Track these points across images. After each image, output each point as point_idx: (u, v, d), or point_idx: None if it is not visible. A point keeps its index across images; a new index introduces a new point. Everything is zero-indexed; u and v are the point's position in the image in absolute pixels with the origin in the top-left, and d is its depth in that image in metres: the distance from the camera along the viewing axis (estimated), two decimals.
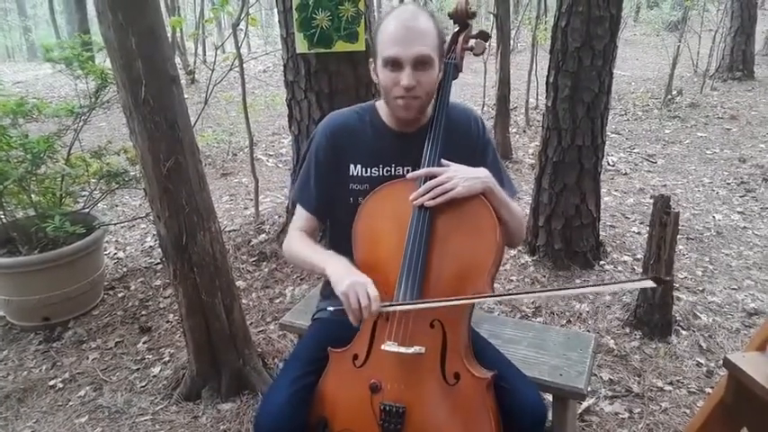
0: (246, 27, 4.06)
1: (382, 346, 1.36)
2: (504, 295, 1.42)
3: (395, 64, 1.43)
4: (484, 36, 1.64)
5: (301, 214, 1.67)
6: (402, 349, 1.34)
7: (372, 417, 1.38)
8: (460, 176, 1.42)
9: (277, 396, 1.45)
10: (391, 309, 1.37)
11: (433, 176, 1.43)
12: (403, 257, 1.40)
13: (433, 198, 1.40)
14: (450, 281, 1.41)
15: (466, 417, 1.36)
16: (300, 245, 1.61)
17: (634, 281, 1.19)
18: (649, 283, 1.18)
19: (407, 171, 1.55)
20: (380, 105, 1.62)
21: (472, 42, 1.63)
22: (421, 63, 1.42)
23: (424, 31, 1.42)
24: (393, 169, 1.58)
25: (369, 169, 1.58)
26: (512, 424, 1.40)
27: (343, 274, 1.39)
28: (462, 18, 1.64)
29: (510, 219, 1.49)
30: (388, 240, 1.46)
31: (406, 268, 1.39)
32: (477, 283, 1.38)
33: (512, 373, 1.49)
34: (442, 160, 1.48)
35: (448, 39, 1.65)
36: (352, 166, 1.58)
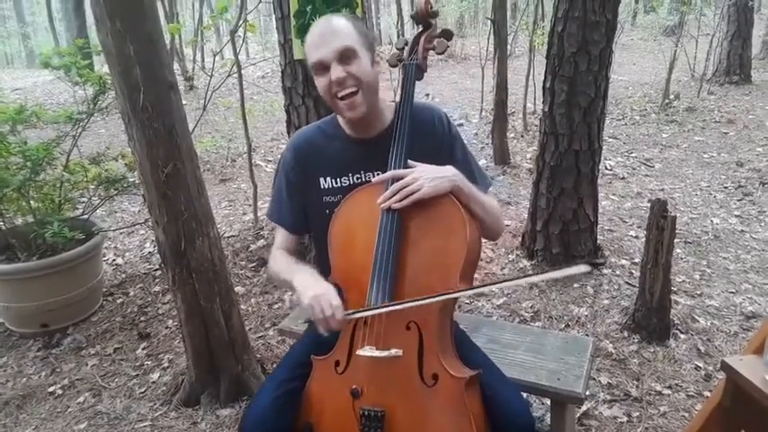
0: (245, 33, 4.08)
1: (359, 352, 1.37)
2: (463, 291, 1.42)
3: (322, 67, 1.45)
4: (447, 35, 1.63)
5: (280, 232, 1.70)
6: (378, 353, 1.34)
7: (355, 422, 1.39)
8: (426, 177, 1.41)
9: (263, 399, 1.47)
10: (357, 315, 1.38)
11: (399, 178, 1.43)
12: (373, 261, 1.40)
13: (400, 200, 1.40)
14: (423, 282, 1.41)
15: (446, 417, 1.35)
16: (278, 262, 1.64)
17: (571, 267, 1.24)
18: (584, 268, 1.25)
19: (378, 175, 1.55)
20: (340, 117, 1.63)
21: (435, 42, 1.62)
22: (345, 57, 1.43)
23: (338, 29, 1.45)
24: (363, 176, 1.58)
25: (338, 180, 1.59)
26: (499, 430, 1.40)
27: (307, 286, 1.41)
28: (424, 17, 1.64)
29: (483, 213, 1.49)
30: (359, 246, 1.46)
31: (376, 272, 1.40)
32: (449, 283, 1.37)
33: (498, 381, 1.50)
34: (409, 161, 1.48)
35: (410, 40, 1.65)
36: (322, 179, 1.60)
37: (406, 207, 1.42)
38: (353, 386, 1.40)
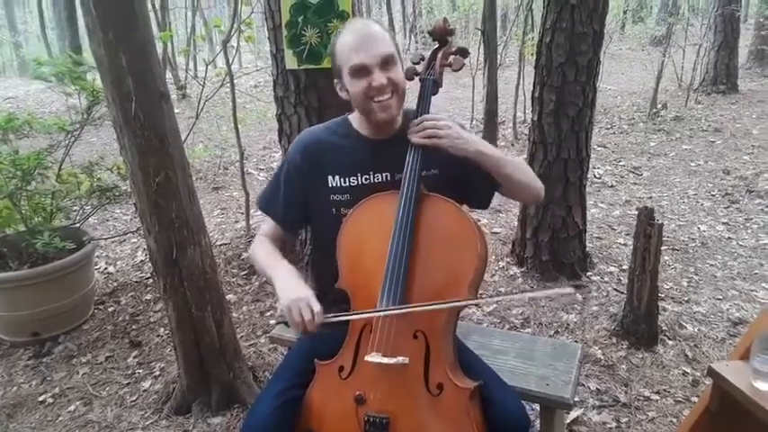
0: (238, 43, 4.11)
1: (366, 358, 1.38)
2: (455, 302, 1.45)
3: (362, 70, 1.48)
4: (463, 53, 1.68)
5: (268, 222, 1.72)
6: (385, 360, 1.36)
7: (358, 428, 1.40)
8: (454, 133, 1.46)
9: (262, 410, 1.46)
10: (335, 319, 1.40)
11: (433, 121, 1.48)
12: (385, 268, 1.42)
13: (423, 134, 1.46)
14: (432, 290, 1.43)
15: (450, 427, 1.38)
16: (260, 249, 1.65)
17: (557, 289, 1.29)
18: (569, 290, 1.27)
19: (386, 177, 1.59)
20: (353, 117, 1.66)
21: (451, 59, 1.67)
22: (386, 62, 1.48)
23: (379, 34, 1.50)
24: (372, 176, 1.61)
25: (347, 179, 1.61)
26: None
27: (287, 289, 1.43)
28: (441, 35, 1.68)
29: (516, 172, 1.53)
30: (371, 253, 1.48)
31: (388, 279, 1.42)
32: (459, 294, 1.41)
33: (496, 385, 1.52)
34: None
35: (427, 55, 1.69)
36: (330, 177, 1.62)
37: (421, 216, 1.46)
38: (358, 392, 1.41)
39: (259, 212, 4.78)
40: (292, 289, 1.43)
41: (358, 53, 1.47)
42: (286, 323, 1.42)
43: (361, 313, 1.43)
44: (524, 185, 1.57)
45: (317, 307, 1.38)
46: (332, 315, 1.40)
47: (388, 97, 1.50)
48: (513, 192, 1.62)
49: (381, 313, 1.39)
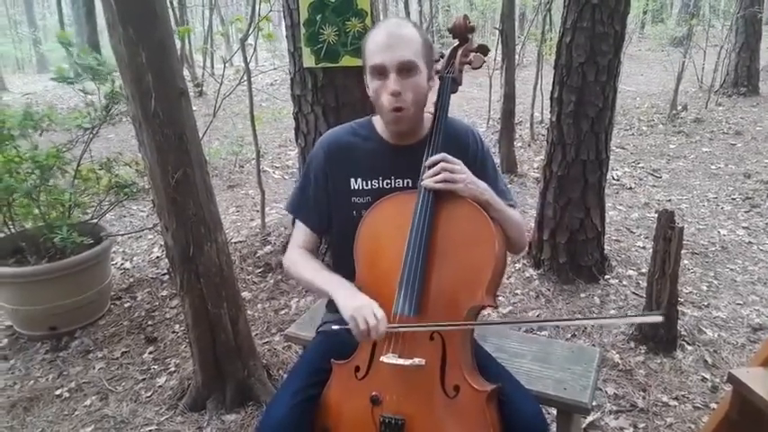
0: (255, 41, 4.11)
1: (382, 358, 1.37)
2: (506, 323, 1.44)
3: (380, 71, 1.46)
4: (483, 50, 1.67)
5: (301, 230, 1.71)
6: (401, 361, 1.35)
7: (374, 429, 1.39)
8: (469, 178, 1.46)
9: (278, 409, 1.45)
10: (398, 330, 1.39)
11: (448, 163, 1.46)
12: (402, 268, 1.42)
13: (438, 179, 1.44)
14: (449, 291, 1.42)
15: (466, 430, 1.36)
16: (304, 265, 1.64)
17: (642, 315, 1.25)
18: (658, 318, 1.22)
19: (407, 183, 1.58)
20: (377, 120, 1.65)
21: (471, 56, 1.65)
22: (405, 69, 1.45)
23: (407, 38, 1.46)
24: (393, 181, 1.60)
25: (369, 182, 1.60)
26: None
27: (350, 298, 1.43)
28: (461, 32, 1.67)
29: (509, 228, 1.52)
30: (387, 252, 1.48)
31: (404, 279, 1.41)
32: (476, 294, 1.39)
33: (513, 387, 1.50)
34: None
35: (447, 53, 1.67)
36: (352, 180, 1.61)
37: (437, 217, 1.45)
38: (373, 393, 1.40)
39: (274, 210, 4.83)
40: (355, 297, 1.43)
41: (381, 53, 1.45)
42: (348, 330, 1.40)
43: (418, 326, 1.40)
44: (511, 241, 1.55)
45: (380, 314, 1.38)
46: (394, 325, 1.39)
47: (402, 107, 1.47)
48: None
49: (435, 328, 1.39)
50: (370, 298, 1.42)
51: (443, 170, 1.44)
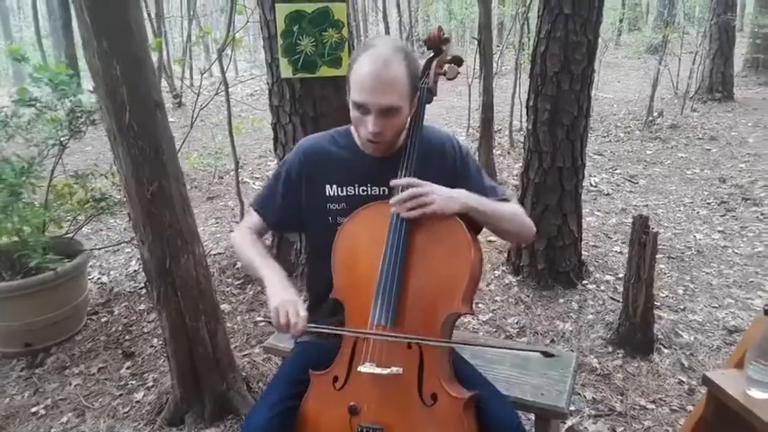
0: (233, 52, 4.10)
1: (360, 368, 1.37)
2: (448, 342, 1.47)
3: (363, 108, 1.46)
4: (457, 61, 1.69)
5: (256, 219, 1.72)
6: (379, 370, 1.35)
7: None
8: (439, 194, 1.44)
9: (257, 421, 1.44)
10: (317, 330, 1.44)
11: (415, 186, 1.45)
12: (378, 278, 1.43)
13: (411, 209, 1.43)
14: (426, 300, 1.43)
15: None
16: (249, 243, 1.66)
17: (530, 350, 1.32)
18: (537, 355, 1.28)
19: (383, 192, 1.58)
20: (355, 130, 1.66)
21: (446, 67, 1.67)
22: (387, 112, 1.45)
23: (393, 80, 1.42)
24: (369, 189, 1.61)
25: (344, 188, 1.61)
26: None
27: (279, 290, 1.46)
28: (436, 44, 1.69)
29: (502, 222, 1.54)
30: (364, 263, 1.48)
31: (380, 289, 1.42)
32: (453, 302, 1.40)
33: (491, 394, 1.50)
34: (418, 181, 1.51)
35: (422, 63, 1.69)
36: (328, 186, 1.62)
37: (413, 226, 1.45)
38: (351, 403, 1.40)
39: None
40: (284, 290, 1.45)
41: (363, 92, 1.43)
42: (269, 322, 1.44)
43: (346, 331, 1.44)
44: (513, 234, 1.59)
45: (303, 312, 1.40)
46: (316, 326, 1.42)
47: (377, 141, 1.49)
48: (499, 236, 1.66)
49: (372, 336, 1.40)
50: (299, 296, 1.44)
51: (412, 196, 1.43)
